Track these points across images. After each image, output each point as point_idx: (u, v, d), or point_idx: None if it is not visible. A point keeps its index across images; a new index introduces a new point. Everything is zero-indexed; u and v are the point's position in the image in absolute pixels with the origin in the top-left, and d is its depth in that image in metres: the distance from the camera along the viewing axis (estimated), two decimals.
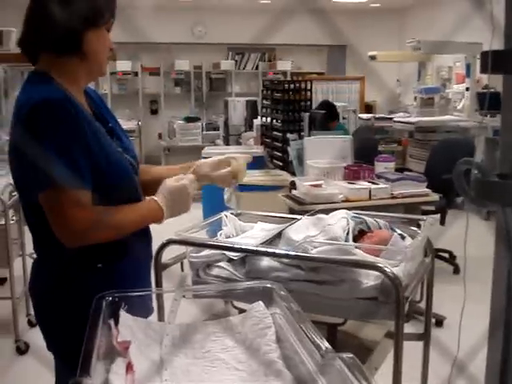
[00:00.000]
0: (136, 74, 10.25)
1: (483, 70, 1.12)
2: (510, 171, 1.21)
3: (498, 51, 1.11)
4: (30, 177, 1.49)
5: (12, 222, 3.75)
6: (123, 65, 10.07)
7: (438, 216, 4.49)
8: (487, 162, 1.25)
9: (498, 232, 1.28)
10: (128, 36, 9.91)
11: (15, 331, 3.59)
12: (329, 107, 5.70)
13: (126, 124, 9.70)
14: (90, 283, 1.54)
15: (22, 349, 3.57)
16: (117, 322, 1.31)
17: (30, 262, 4.21)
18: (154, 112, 10.90)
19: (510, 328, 1.24)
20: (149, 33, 9.47)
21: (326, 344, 1.15)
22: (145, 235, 1.76)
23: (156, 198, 1.66)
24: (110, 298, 1.36)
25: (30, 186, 1.52)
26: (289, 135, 5.07)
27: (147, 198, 1.71)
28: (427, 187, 3.98)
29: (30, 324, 3.92)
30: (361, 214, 2.11)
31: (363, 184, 3.81)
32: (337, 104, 6.30)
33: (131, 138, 7.55)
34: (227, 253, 1.93)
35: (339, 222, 2.00)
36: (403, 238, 2.00)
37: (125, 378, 1.16)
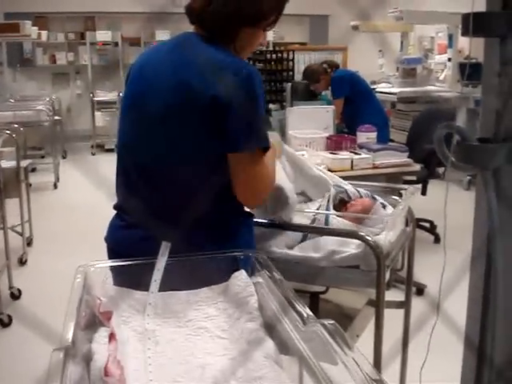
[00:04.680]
0: (116, 44, 10.09)
1: (464, 33, 1.11)
2: (491, 135, 1.21)
3: (480, 13, 1.10)
4: (244, 132, 1.52)
5: None
6: (103, 35, 9.92)
7: (419, 186, 4.52)
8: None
9: (478, 193, 1.30)
10: (107, 5, 9.82)
11: None
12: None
13: (106, 95, 9.63)
14: (239, 232, 1.66)
15: (6, 322, 3.56)
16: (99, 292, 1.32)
17: (11, 234, 4.20)
18: None
19: (488, 272, 1.27)
20: (128, 2, 9.34)
21: (308, 311, 1.16)
22: None
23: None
24: (95, 268, 1.36)
25: (239, 140, 1.52)
26: (271, 105, 5.05)
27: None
28: (409, 157, 3.99)
29: (13, 297, 3.92)
30: (342, 184, 2.12)
31: (345, 154, 3.81)
32: None
33: (112, 110, 7.50)
34: None
35: None
36: (384, 206, 2.02)
37: (107, 348, 1.16)
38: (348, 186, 2.10)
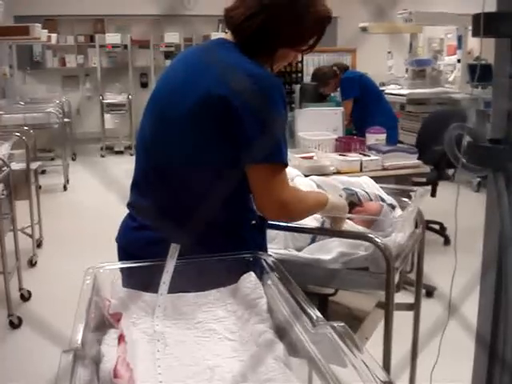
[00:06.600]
0: (125, 46, 10.10)
1: (475, 34, 1.11)
2: (502, 136, 1.21)
3: (490, 13, 1.10)
4: (256, 143, 1.48)
5: (2, 196, 3.74)
6: (112, 37, 9.93)
7: (428, 188, 4.50)
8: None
9: (489, 195, 1.29)
10: (117, 8, 9.85)
11: (8, 306, 3.59)
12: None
13: (115, 98, 9.66)
14: (250, 235, 1.63)
15: (15, 323, 3.57)
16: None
17: (21, 236, 4.22)
18: (145, 85, 10.81)
19: (501, 272, 1.26)
20: (137, 5, 9.37)
21: (318, 314, 1.16)
22: None
23: (329, 196, 1.77)
24: (104, 269, 1.36)
25: (251, 151, 1.49)
26: None
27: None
28: (418, 159, 3.98)
29: (23, 298, 3.93)
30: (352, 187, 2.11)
31: (354, 156, 3.81)
32: None
33: (121, 112, 7.51)
34: None
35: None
36: (393, 207, 2.01)
37: (117, 350, 1.16)
38: (358, 188, 2.09)
